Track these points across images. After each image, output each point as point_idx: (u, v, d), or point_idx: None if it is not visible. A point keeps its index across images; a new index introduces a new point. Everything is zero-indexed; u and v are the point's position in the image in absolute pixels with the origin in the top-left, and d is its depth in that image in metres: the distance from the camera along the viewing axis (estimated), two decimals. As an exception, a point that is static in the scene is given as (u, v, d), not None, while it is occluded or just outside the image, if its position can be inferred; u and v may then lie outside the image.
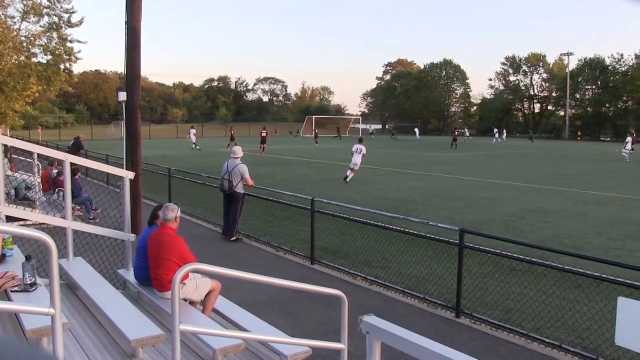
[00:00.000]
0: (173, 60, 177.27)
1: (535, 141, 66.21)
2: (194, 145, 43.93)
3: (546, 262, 6.83)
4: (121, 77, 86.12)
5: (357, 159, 21.53)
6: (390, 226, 8.97)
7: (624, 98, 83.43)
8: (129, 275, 6.08)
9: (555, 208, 15.60)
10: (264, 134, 41.79)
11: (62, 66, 28.88)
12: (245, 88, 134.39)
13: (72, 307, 5.27)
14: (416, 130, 77.67)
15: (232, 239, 11.29)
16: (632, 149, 36.99)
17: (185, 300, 5.38)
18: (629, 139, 38.68)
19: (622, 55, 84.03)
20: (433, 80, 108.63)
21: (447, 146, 50.23)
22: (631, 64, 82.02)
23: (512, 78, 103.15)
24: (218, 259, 9.60)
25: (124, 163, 8.85)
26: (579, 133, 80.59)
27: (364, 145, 21.94)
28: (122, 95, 9.19)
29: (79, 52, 30.31)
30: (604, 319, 6.00)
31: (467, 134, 73.47)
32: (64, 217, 6.20)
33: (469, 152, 43.71)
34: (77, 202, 13.23)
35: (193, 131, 46.03)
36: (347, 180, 21.22)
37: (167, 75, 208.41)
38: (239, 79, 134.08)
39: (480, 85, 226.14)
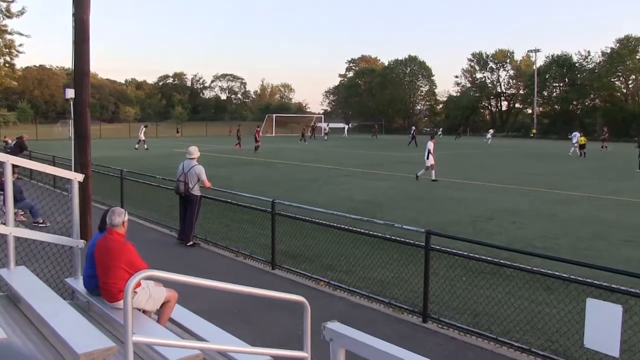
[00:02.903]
0: (125, 56, 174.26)
1: (503, 140, 67.39)
2: (138, 144, 43.62)
3: (515, 264, 6.95)
4: (69, 73, 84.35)
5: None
6: (355, 229, 9.02)
7: (592, 95, 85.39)
8: (78, 284, 5.95)
9: (524, 208, 15.92)
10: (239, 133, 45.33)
11: (1, 60, 28.11)
12: (202, 85, 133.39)
13: (13, 321, 5.12)
14: (344, 126, 78.67)
15: (188, 243, 11.20)
16: (576, 144, 41.69)
17: (138, 310, 5.30)
18: (575, 133, 43.71)
19: (589, 52, 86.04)
20: (398, 77, 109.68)
21: (412, 146, 50.71)
22: (598, 61, 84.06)
23: (478, 75, 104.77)
24: (174, 265, 9.49)
25: (72, 165, 8.67)
26: (533, 130, 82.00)
27: (431, 142, 23.17)
28: (70, 93, 9.00)
29: (20, 45, 29.66)
30: (573, 321, 6.15)
31: (440, 133, 73.84)
32: (4, 224, 6.04)
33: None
34: (20, 207, 12.90)
35: (143, 129, 45.46)
36: (418, 176, 22.80)
37: (119, 72, 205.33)
38: (196, 75, 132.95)
39: (447, 82, 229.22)
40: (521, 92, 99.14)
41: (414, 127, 66.14)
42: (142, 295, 5.32)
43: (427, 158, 22.74)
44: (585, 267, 6.07)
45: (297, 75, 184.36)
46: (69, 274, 6.54)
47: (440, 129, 79.47)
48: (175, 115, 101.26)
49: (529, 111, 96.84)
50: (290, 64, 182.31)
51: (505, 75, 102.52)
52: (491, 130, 69.70)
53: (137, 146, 43.51)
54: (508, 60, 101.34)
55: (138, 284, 4.87)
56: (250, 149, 41.30)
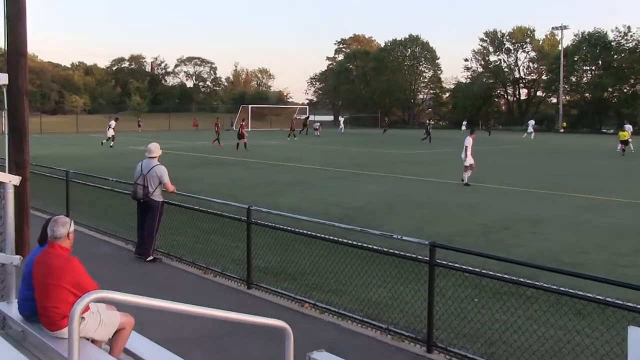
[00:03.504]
0: (71, 35, 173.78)
1: (522, 134, 67.52)
2: (105, 141, 43.38)
3: (537, 283, 6.92)
4: (1, 54, 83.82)
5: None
6: (346, 240, 9.01)
7: (631, 81, 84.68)
8: (11, 309, 5.87)
9: (546, 216, 16.01)
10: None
11: None
12: (164, 70, 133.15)
13: None
14: (341, 119, 78.41)
15: (148, 258, 11.15)
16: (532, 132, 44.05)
17: (86, 339, 5.26)
18: (531, 121, 49.95)
19: (628, 28, 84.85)
20: (396, 61, 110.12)
21: (413, 141, 50.84)
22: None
23: (492, 58, 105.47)
24: (130, 285, 9.43)
25: (7, 165, 8.60)
26: (564, 124, 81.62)
27: (470, 137, 23.15)
28: (3, 78, 8.92)
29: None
30: (612, 354, 6.10)
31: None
32: None
33: (440, 149, 44.43)
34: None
35: (112, 123, 45.12)
36: (466, 181, 22.51)
37: (64, 54, 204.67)
38: (156, 59, 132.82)
39: (454, 67, 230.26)
40: (544, 77, 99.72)
41: (429, 121, 65.86)
42: (90, 322, 5.28)
43: (466, 156, 22.56)
44: (625, 287, 5.81)
45: (277, 59, 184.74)
46: (0, 297, 6.48)
47: (465, 122, 77.79)
48: (132, 105, 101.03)
49: (554, 100, 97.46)
50: (269, 46, 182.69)
51: (525, 57, 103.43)
52: (532, 122, 67.57)
53: (112, 144, 42.82)
54: (528, 40, 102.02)
55: (86, 308, 4.83)
56: (232, 146, 41.25)
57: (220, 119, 49.88)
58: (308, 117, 79.27)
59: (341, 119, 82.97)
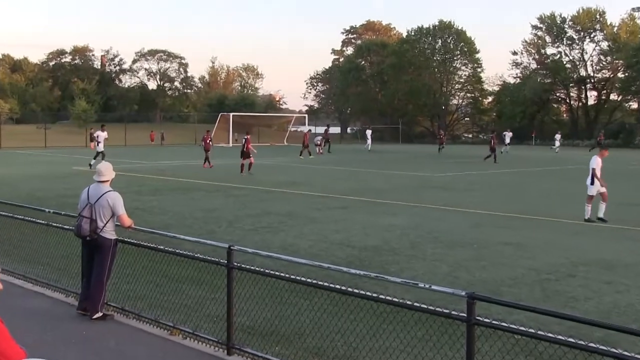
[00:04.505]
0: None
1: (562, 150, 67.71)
2: (97, 157, 41.45)
3: (615, 350, 6.82)
4: None
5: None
6: (357, 291, 8.99)
7: None
8: None
9: (626, 260, 15.93)
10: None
11: None
12: (118, 67, 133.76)
13: None
14: (368, 133, 77.52)
15: (95, 315, 11.06)
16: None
17: None
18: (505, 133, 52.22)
19: None
20: (422, 55, 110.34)
21: (444, 160, 50.79)
22: None
23: (550, 50, 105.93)
24: (70, 353, 9.42)
25: None
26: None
27: (598, 157, 22.29)
28: None
29: None
30: None
31: (508, 140, 70.84)
32: None
33: (481, 171, 44.52)
34: None
35: (104, 135, 44.13)
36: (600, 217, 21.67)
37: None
38: (108, 52, 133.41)
39: (499, 63, 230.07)
40: (620, 75, 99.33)
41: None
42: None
43: (592, 183, 21.87)
44: None
45: (267, 53, 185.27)
46: None
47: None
48: (76, 113, 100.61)
49: (634, 105, 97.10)
50: (256, 35, 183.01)
51: (594, 49, 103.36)
52: (558, 136, 72.10)
53: (92, 162, 41.25)
54: (598, 26, 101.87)
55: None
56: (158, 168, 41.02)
57: (210, 132, 48.96)
58: (328, 126, 79.21)
59: (368, 132, 79.54)
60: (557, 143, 71.69)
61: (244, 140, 43.08)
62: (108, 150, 44.19)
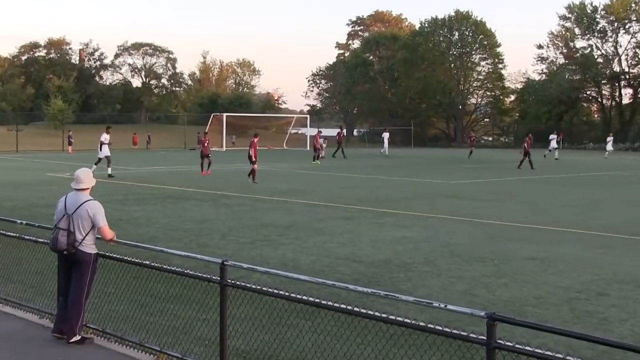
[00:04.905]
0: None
1: (624, 154, 67.56)
2: (95, 165, 41.02)
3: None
4: None
5: None
6: (364, 311, 9.05)
7: None
8: None
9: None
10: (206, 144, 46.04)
11: None
12: (98, 62, 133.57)
13: None
14: (385, 136, 76.33)
15: (73, 339, 11.02)
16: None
17: None
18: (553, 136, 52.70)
19: None
20: (437, 49, 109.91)
21: (461, 165, 50.70)
22: None
23: (580, 44, 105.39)
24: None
25: None
26: None
27: None
28: None
29: None
30: None
31: (555, 144, 68.98)
32: None
33: (507, 177, 44.70)
34: None
35: (106, 138, 43.41)
36: None
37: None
38: (87, 45, 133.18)
39: (523, 57, 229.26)
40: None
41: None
42: None
43: None
44: None
45: (265, 47, 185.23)
46: None
47: (556, 136, 75.50)
48: (52, 113, 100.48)
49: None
50: (253, 27, 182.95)
51: (629, 42, 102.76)
52: (610, 138, 70.15)
53: (94, 167, 40.66)
54: (634, 16, 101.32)
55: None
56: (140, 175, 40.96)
57: (207, 135, 48.51)
58: (342, 128, 79.27)
59: (385, 135, 77.83)
60: (610, 147, 69.16)
61: (250, 142, 42.10)
62: (88, 155, 44.11)
